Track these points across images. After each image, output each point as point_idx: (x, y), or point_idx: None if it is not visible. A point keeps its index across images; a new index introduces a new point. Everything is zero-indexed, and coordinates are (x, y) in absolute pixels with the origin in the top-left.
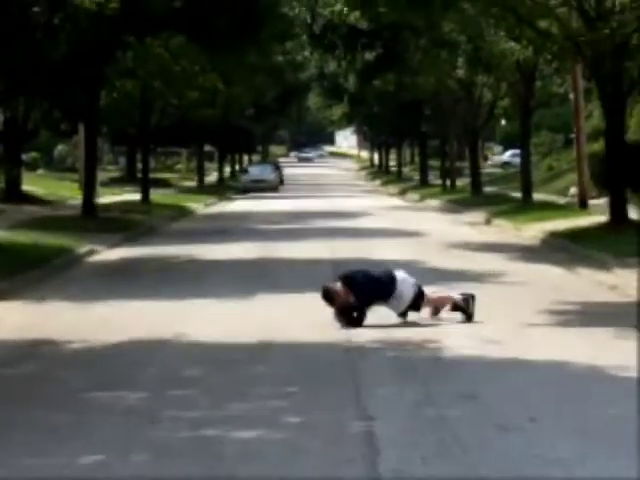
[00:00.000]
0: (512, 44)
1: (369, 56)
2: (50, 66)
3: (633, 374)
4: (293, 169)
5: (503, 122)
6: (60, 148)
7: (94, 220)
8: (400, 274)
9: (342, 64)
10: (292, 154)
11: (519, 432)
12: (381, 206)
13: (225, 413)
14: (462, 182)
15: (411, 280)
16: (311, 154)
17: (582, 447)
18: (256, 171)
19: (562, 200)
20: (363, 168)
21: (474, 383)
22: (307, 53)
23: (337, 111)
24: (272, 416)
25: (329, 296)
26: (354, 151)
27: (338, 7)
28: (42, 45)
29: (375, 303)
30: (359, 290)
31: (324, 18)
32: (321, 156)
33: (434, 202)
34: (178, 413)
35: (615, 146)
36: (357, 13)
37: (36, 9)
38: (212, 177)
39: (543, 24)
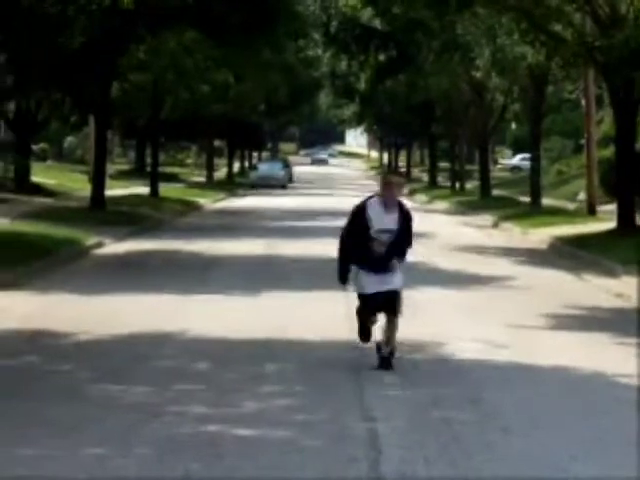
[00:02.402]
0: (525, 48)
1: (382, 57)
2: (63, 58)
3: (634, 381)
4: (302, 167)
5: (513, 126)
6: (70, 140)
7: (103, 213)
8: None
9: (353, 65)
10: (302, 152)
11: (522, 436)
12: None
13: (228, 410)
14: (471, 185)
15: None
16: (325, 155)
17: (580, 451)
18: (265, 168)
19: (571, 205)
20: (373, 168)
21: (479, 387)
22: (319, 51)
23: (348, 111)
24: (276, 414)
25: None
26: (364, 151)
27: (352, 1)
28: (56, 36)
29: None
30: None
31: (339, 16)
32: (331, 155)
33: (443, 204)
34: (181, 408)
35: (625, 153)
36: (370, 10)
37: (48, 1)
38: (221, 173)
39: (557, 29)
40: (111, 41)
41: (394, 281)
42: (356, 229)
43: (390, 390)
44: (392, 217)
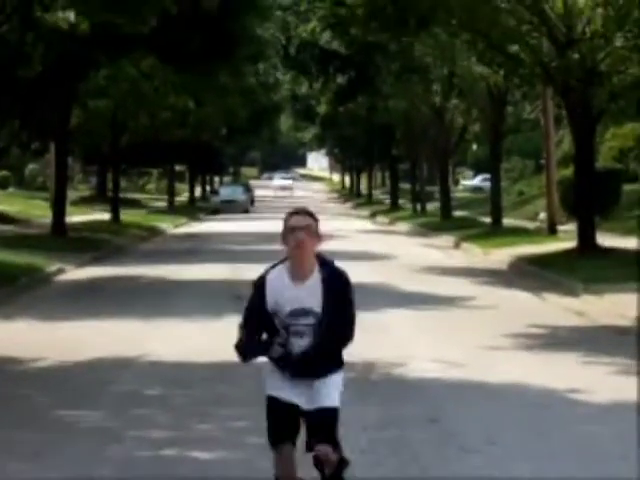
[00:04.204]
0: (483, 69)
1: (341, 79)
2: (22, 85)
3: (592, 398)
4: (264, 190)
5: (474, 147)
6: (31, 167)
7: (64, 239)
8: None
9: (314, 87)
10: (264, 176)
11: (479, 454)
12: (351, 229)
13: (187, 433)
14: (432, 206)
15: None
16: (288, 181)
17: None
18: (227, 192)
19: (531, 225)
20: (334, 191)
21: (437, 406)
22: (279, 75)
23: (309, 133)
24: (234, 437)
25: None
26: (326, 174)
27: (311, 25)
28: (14, 64)
29: None
30: None
31: (298, 39)
32: (293, 179)
33: (404, 226)
34: (140, 433)
35: (584, 172)
36: (329, 34)
37: (6, 27)
38: (183, 197)
39: (514, 49)
40: (69, 67)
41: (328, 393)
42: (255, 316)
43: (348, 411)
44: (310, 287)
